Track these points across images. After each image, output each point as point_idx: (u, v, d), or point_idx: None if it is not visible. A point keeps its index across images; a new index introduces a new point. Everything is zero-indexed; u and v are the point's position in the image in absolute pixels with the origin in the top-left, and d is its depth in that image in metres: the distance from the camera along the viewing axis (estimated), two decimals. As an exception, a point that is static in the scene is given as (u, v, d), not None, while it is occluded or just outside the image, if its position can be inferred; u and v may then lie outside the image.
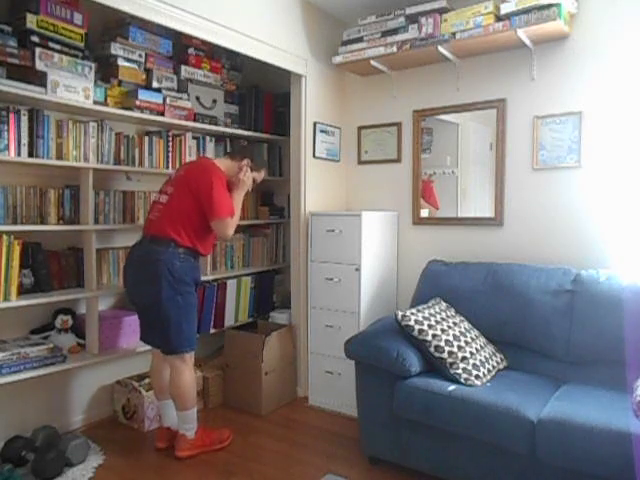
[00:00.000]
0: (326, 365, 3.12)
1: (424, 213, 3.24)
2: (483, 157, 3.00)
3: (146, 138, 2.94)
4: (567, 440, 1.84)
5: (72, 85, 2.42)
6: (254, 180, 2.67)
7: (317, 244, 3.15)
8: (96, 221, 2.69)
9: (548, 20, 2.46)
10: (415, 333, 2.31)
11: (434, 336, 2.30)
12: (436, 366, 2.29)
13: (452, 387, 2.16)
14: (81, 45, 2.54)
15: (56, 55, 2.40)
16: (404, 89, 3.29)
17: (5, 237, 2.27)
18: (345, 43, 3.14)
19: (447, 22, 2.75)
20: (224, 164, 2.57)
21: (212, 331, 3.22)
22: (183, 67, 3.02)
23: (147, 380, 2.81)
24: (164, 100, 2.87)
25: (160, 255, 2.34)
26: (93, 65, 2.56)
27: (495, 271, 2.66)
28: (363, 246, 2.96)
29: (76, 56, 2.50)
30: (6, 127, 2.29)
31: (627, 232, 2.56)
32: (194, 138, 3.17)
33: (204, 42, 2.97)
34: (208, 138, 3.25)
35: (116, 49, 2.69)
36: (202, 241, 2.48)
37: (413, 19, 2.87)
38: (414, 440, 2.27)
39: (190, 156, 3.10)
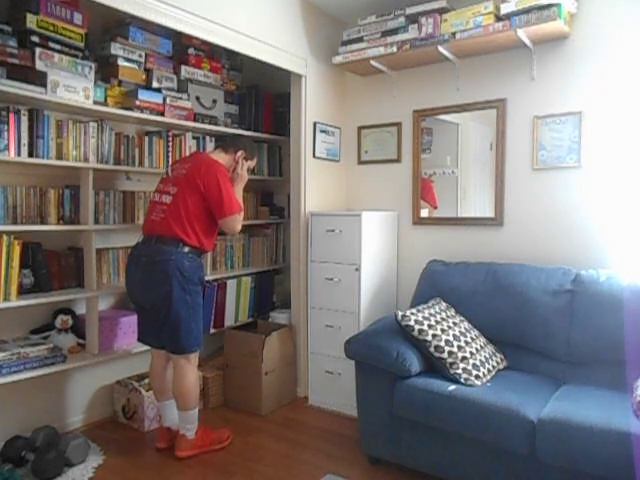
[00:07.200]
0: (326, 365, 3.12)
1: (424, 213, 3.24)
2: (483, 157, 3.00)
3: (146, 138, 2.94)
4: (567, 440, 1.84)
5: (72, 85, 2.42)
6: (248, 169, 2.68)
7: (317, 244, 3.14)
8: (96, 221, 2.68)
9: (548, 20, 2.46)
10: (415, 333, 2.31)
11: (434, 336, 2.30)
12: (436, 366, 2.30)
13: (452, 387, 2.16)
14: (81, 45, 2.54)
15: (56, 55, 2.40)
16: (404, 89, 3.29)
17: (5, 237, 2.27)
18: (345, 43, 3.14)
19: (447, 22, 2.75)
20: (221, 158, 2.56)
21: (212, 331, 3.22)
22: (183, 67, 3.02)
23: (147, 380, 2.81)
24: (164, 100, 2.87)
25: (170, 255, 2.34)
26: (93, 65, 2.56)
27: (495, 271, 2.66)
28: (363, 246, 2.96)
29: (76, 56, 2.50)
30: (6, 127, 2.29)
31: (627, 232, 2.56)
32: (194, 138, 3.17)
33: (204, 42, 2.96)
34: (208, 138, 3.25)
35: (116, 49, 2.69)
36: (209, 239, 2.50)
37: (413, 19, 2.87)
38: (414, 440, 2.27)
39: (190, 156, 3.10)
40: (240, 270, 3.47)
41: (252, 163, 2.70)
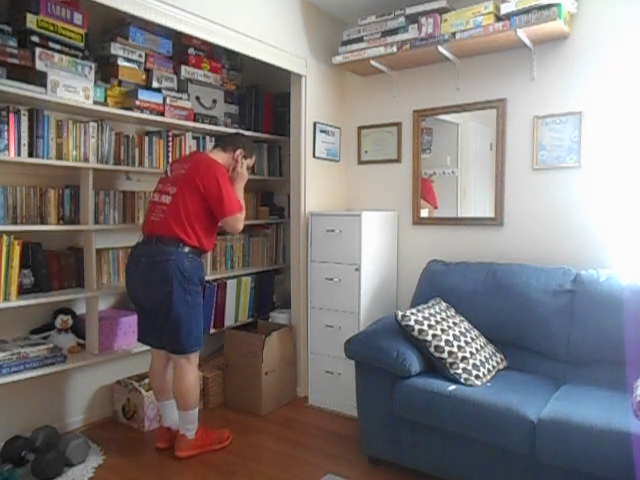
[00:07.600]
0: (326, 365, 3.12)
1: (424, 213, 3.24)
2: (483, 157, 3.00)
3: (146, 138, 2.94)
4: (567, 440, 1.84)
5: (72, 85, 2.42)
6: (247, 167, 2.68)
7: (317, 244, 3.14)
8: (96, 221, 2.68)
9: (548, 20, 2.46)
10: (415, 333, 2.31)
11: (434, 336, 2.30)
12: (436, 366, 2.30)
13: (452, 387, 2.16)
14: (81, 45, 2.54)
15: (56, 55, 2.40)
16: (404, 89, 3.29)
17: (5, 237, 2.27)
18: (345, 43, 3.14)
19: (447, 22, 2.75)
20: (220, 157, 2.56)
21: (212, 331, 3.22)
22: (183, 67, 3.02)
23: (147, 380, 2.81)
24: (164, 100, 2.87)
25: (170, 255, 2.34)
26: (93, 65, 2.56)
27: (495, 271, 2.66)
28: (363, 246, 2.96)
29: (76, 56, 2.50)
30: (6, 127, 2.29)
31: (627, 232, 2.56)
32: (194, 138, 3.17)
33: (204, 42, 2.97)
34: (208, 138, 3.25)
35: (116, 49, 2.69)
36: (209, 239, 2.50)
37: (413, 19, 2.87)
38: (414, 440, 2.27)
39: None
40: (240, 270, 3.47)
41: (251, 161, 2.70)
